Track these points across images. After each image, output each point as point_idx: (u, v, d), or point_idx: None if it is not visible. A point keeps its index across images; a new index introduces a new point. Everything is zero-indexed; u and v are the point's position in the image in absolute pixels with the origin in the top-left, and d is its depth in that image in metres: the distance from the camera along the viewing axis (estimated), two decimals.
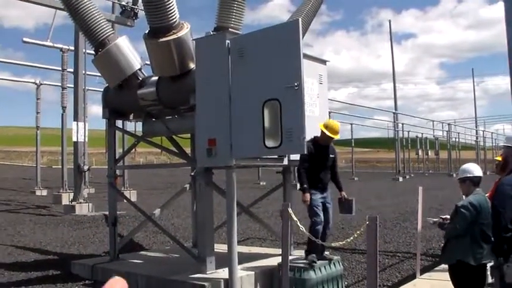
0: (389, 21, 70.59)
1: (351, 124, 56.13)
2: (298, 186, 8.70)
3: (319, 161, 8.58)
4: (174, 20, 8.89)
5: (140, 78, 9.89)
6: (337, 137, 8.70)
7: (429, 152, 74.54)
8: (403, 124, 63.89)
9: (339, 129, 8.72)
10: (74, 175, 22.62)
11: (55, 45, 26.12)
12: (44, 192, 32.36)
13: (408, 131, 66.89)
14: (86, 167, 22.40)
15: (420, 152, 72.27)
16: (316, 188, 8.44)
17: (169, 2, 8.73)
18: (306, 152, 7.48)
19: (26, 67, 36.68)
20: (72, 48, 23.59)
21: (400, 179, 52.77)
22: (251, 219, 10.98)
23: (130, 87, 9.81)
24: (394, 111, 62.45)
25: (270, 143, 7.34)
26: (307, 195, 8.26)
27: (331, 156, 8.80)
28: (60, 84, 27.75)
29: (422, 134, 72.01)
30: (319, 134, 8.58)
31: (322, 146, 8.64)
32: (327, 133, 8.53)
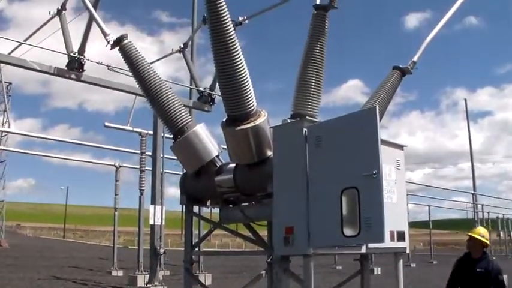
0: (465, 100, 70.59)
1: (428, 206, 55.08)
2: None
3: (463, 277, 8.24)
4: (252, 107, 8.91)
5: (217, 165, 9.92)
6: (474, 235, 8.39)
7: (511, 233, 72.02)
8: (482, 205, 62.22)
9: (477, 231, 8.46)
10: (150, 257, 22.84)
11: (135, 129, 27.01)
12: (120, 273, 32.67)
13: (488, 212, 65.06)
14: (162, 250, 22.61)
15: (502, 234, 69.87)
16: None
17: (247, 90, 8.74)
18: None
19: (105, 149, 37.81)
20: (151, 132, 24.33)
21: None
22: None
23: (208, 174, 9.85)
24: (472, 192, 61.04)
25: (348, 231, 7.15)
26: None
27: (477, 270, 8.24)
28: (138, 166, 28.45)
29: (503, 214, 69.80)
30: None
31: (473, 259, 8.32)
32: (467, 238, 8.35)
